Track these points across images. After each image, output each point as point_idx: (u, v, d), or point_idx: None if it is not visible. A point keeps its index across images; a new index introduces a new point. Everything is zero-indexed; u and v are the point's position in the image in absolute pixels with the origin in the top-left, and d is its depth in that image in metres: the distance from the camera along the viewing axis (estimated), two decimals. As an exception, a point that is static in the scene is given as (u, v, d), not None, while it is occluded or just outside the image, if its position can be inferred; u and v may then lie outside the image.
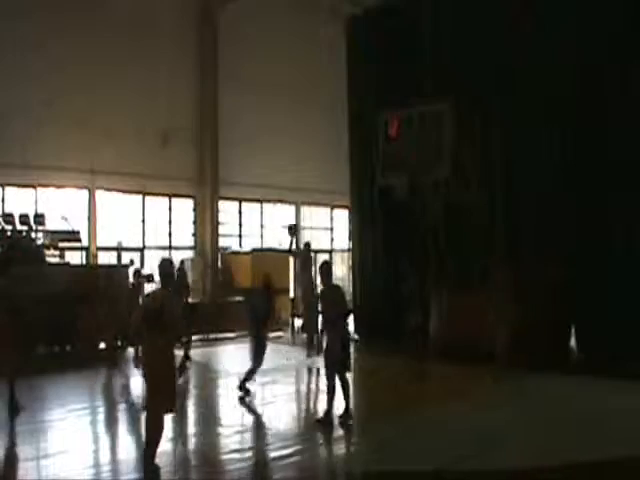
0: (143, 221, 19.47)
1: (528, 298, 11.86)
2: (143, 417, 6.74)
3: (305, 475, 7.05)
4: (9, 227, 15.33)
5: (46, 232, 16.05)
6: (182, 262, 19.13)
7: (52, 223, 16.33)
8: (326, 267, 8.91)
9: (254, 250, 20.92)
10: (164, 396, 6.36)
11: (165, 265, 6.92)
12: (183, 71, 19.74)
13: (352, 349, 9.13)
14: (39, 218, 16.08)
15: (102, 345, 14.62)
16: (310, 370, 12.49)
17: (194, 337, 16.74)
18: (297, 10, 21.60)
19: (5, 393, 8.90)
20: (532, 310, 12.01)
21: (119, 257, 18.42)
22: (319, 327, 11.88)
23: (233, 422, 9.01)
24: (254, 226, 22.51)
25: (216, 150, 20.38)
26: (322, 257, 24.34)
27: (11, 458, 7.46)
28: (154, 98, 18.50)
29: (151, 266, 19.38)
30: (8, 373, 8.90)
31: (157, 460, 6.51)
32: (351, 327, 16.33)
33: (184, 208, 20.54)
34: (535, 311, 12.17)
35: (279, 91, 21.18)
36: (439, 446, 7.48)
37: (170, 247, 20.14)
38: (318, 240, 24.64)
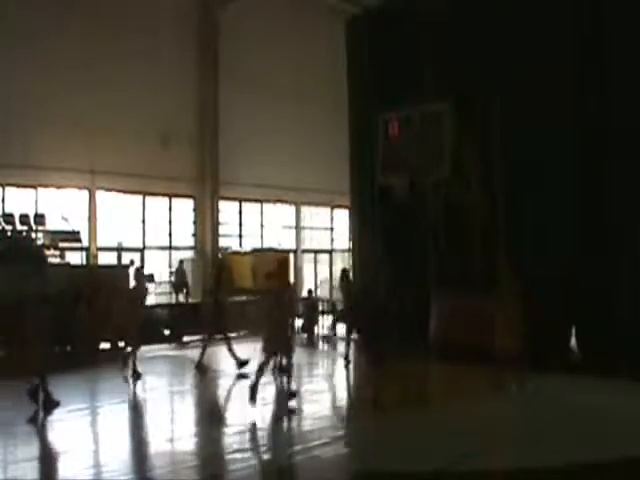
0: (143, 221, 19.48)
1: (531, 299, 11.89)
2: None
3: (305, 475, 7.05)
4: (9, 227, 15.35)
5: (46, 232, 16.06)
6: (181, 262, 19.23)
7: (52, 223, 16.34)
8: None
9: (254, 250, 20.92)
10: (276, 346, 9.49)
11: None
12: (183, 71, 19.74)
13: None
14: (39, 218, 16.10)
15: (102, 345, 14.66)
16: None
17: (195, 337, 16.76)
18: (297, 10, 21.63)
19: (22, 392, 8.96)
20: (536, 311, 12.03)
21: (119, 257, 18.43)
22: None
23: (233, 422, 9.01)
24: (254, 226, 22.52)
25: (216, 150, 20.38)
26: (322, 257, 24.52)
27: (11, 458, 7.47)
28: (154, 98, 18.51)
29: (151, 266, 19.47)
30: (39, 369, 8.98)
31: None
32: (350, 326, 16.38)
33: (184, 208, 20.54)
34: (538, 312, 12.19)
35: (279, 91, 21.19)
36: (439, 446, 7.48)
37: (170, 247, 20.15)
38: (318, 240, 24.68)
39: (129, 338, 11.90)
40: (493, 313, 10.80)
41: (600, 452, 7.09)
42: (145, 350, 14.92)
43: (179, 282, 18.78)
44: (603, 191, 12.19)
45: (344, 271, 14.04)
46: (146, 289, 13.51)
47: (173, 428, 8.98)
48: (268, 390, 11.09)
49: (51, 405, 8.89)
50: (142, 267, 15.42)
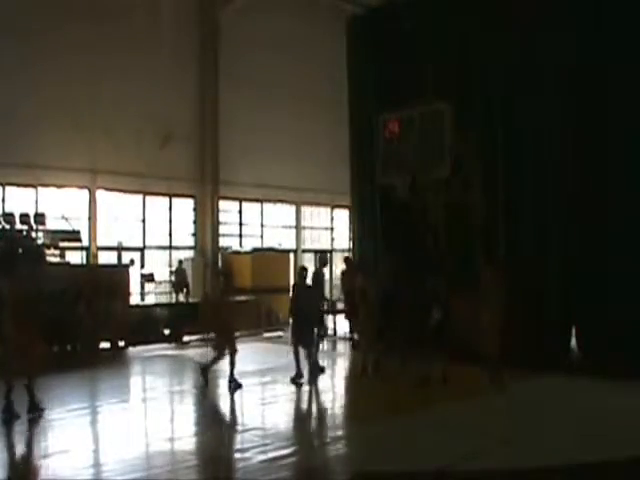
0: (143, 221, 19.49)
1: (525, 298, 11.90)
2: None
3: (305, 475, 7.05)
4: (8, 226, 15.36)
5: (46, 232, 16.06)
6: (181, 262, 19.24)
7: (53, 223, 16.35)
8: None
9: (254, 250, 20.93)
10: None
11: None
12: (183, 71, 19.75)
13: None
14: (40, 218, 16.10)
15: (102, 345, 14.67)
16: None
17: (194, 337, 16.77)
18: (297, 10, 21.63)
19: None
20: (528, 310, 12.05)
21: (119, 257, 18.44)
22: None
23: (233, 422, 9.01)
24: (254, 226, 22.53)
25: (216, 150, 20.40)
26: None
27: (11, 458, 7.47)
28: (154, 98, 18.52)
29: (152, 266, 19.49)
30: (31, 371, 8.88)
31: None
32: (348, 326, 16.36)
33: (184, 208, 20.56)
34: (532, 311, 12.20)
35: (279, 91, 21.20)
36: (440, 446, 7.47)
37: (170, 247, 20.16)
38: (318, 240, 24.69)
39: (227, 344, 10.77)
40: (478, 312, 10.86)
41: (600, 452, 7.09)
42: (145, 350, 15.00)
43: (179, 282, 18.80)
44: (603, 191, 12.19)
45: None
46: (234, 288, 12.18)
47: (173, 428, 8.99)
48: (268, 391, 11.14)
49: (33, 408, 8.76)
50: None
